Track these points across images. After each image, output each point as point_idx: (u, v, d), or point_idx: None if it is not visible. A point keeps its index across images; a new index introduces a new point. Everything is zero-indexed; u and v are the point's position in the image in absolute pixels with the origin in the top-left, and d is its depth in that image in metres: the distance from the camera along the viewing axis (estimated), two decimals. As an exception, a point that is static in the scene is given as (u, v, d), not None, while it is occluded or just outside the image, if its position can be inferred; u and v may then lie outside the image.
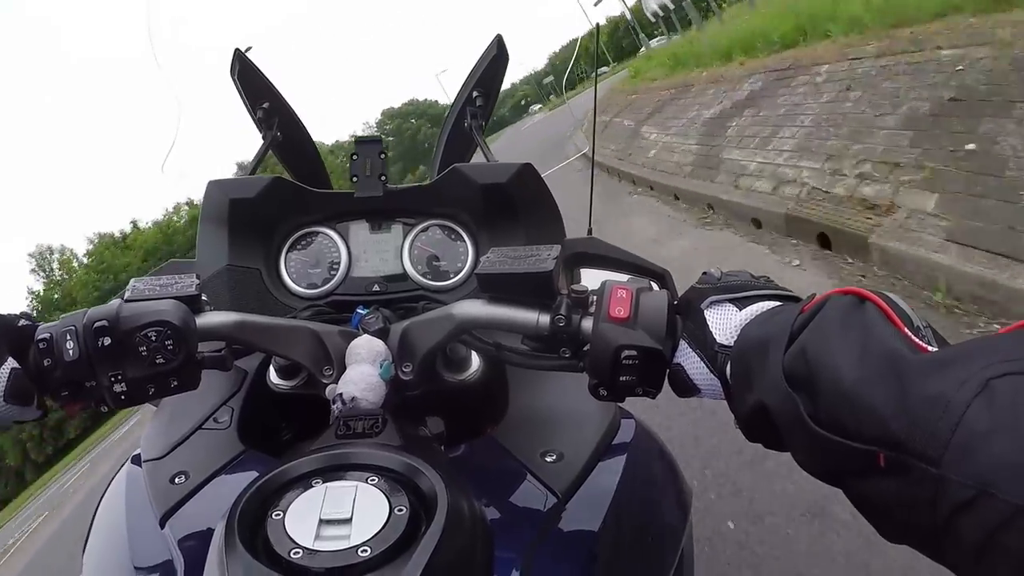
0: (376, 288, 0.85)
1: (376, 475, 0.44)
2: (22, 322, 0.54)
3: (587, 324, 0.51)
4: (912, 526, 0.31)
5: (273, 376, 0.77)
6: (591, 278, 0.86)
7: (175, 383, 0.55)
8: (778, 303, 0.46)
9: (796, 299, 0.46)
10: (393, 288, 0.85)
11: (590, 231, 1.00)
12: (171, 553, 0.58)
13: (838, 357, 0.35)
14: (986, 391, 0.28)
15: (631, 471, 0.65)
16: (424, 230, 0.87)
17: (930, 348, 0.34)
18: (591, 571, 0.55)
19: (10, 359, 0.52)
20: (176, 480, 0.65)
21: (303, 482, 0.44)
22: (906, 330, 0.35)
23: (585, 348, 0.51)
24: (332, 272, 0.85)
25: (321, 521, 0.40)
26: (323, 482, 0.44)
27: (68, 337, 0.51)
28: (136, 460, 0.74)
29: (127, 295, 0.56)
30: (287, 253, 0.86)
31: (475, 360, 0.76)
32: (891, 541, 0.34)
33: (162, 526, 0.61)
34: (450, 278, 0.85)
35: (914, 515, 0.30)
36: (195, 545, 0.57)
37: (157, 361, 0.53)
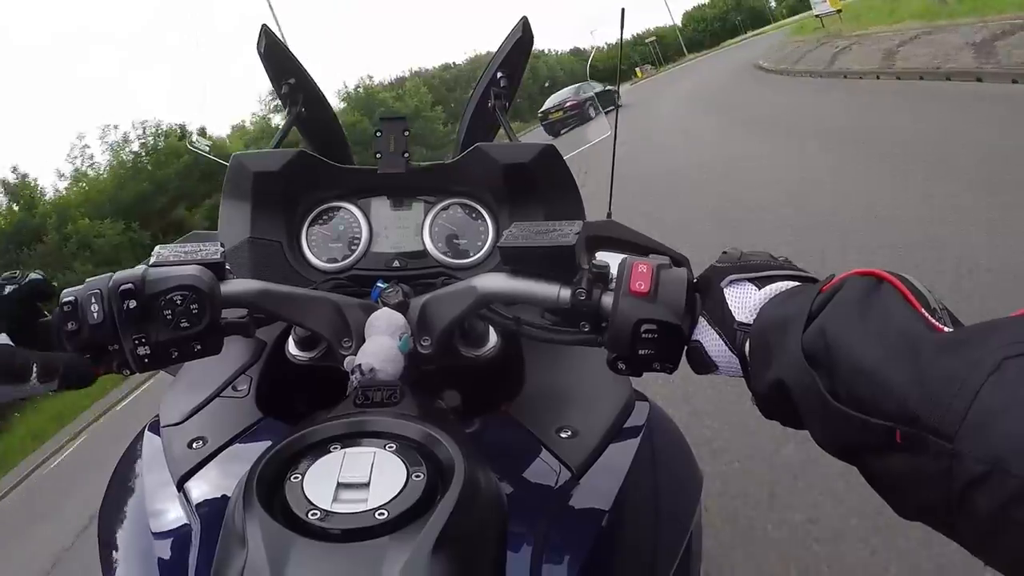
0: (396, 264, 0.85)
1: (394, 442, 0.45)
2: (7, 288, 0.55)
3: (607, 299, 0.51)
4: (926, 502, 0.32)
5: (292, 347, 0.78)
6: (608, 261, 0.86)
7: (198, 347, 0.55)
8: (797, 283, 0.47)
9: (814, 280, 0.46)
10: (413, 265, 0.85)
11: (609, 214, 0.99)
12: (187, 515, 0.59)
13: (857, 336, 0.36)
14: (1000, 370, 0.29)
15: (644, 452, 0.65)
16: (445, 208, 0.87)
17: (946, 328, 0.35)
18: (602, 547, 0.55)
19: (2, 336, 0.53)
20: (194, 445, 0.67)
21: (322, 447, 0.45)
22: (923, 310, 0.36)
23: (604, 323, 0.51)
24: (353, 247, 0.86)
25: (339, 484, 0.40)
26: (341, 447, 0.44)
27: (93, 300, 0.52)
28: (153, 427, 0.75)
29: (152, 260, 0.57)
30: (309, 227, 0.86)
31: (492, 336, 0.76)
32: (905, 518, 0.35)
33: (179, 489, 0.62)
34: (470, 256, 0.85)
35: (928, 491, 0.31)
36: (211, 508, 0.58)
37: (181, 325, 0.53)
